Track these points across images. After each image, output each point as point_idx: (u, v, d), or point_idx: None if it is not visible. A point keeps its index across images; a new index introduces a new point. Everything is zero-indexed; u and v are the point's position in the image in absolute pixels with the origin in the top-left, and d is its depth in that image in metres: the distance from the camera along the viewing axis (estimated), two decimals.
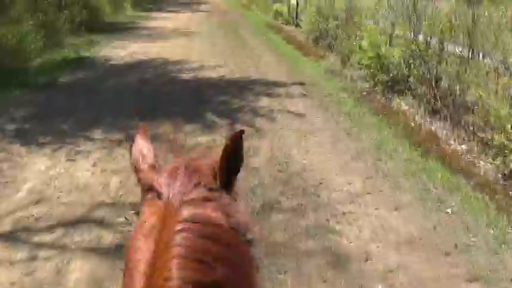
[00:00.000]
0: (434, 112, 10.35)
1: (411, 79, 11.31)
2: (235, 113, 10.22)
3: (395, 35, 12.97)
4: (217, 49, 18.51)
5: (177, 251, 1.15)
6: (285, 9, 28.38)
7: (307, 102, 10.89)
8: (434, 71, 10.61)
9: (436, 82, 10.48)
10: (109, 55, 16.92)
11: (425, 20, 11.33)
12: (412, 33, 11.59)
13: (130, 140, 1.52)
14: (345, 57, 15.49)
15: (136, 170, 1.43)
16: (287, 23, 27.15)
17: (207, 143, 7.85)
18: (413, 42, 11.49)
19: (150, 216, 1.27)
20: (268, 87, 12.49)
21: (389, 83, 11.86)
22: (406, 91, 11.67)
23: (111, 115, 9.96)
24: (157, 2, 44.54)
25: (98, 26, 23.38)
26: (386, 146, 8.53)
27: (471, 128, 9.10)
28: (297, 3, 25.71)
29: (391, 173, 7.47)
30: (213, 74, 13.89)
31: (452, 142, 9.08)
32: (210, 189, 1.30)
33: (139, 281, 1.17)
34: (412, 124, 9.91)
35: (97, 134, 8.94)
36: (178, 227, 1.18)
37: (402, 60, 11.92)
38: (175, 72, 14.22)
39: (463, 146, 8.86)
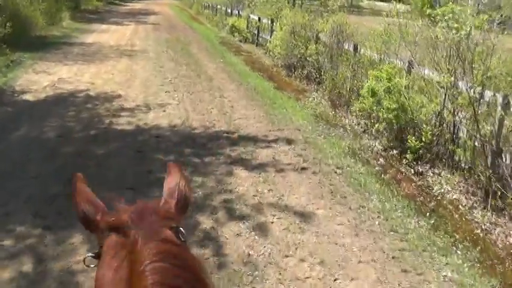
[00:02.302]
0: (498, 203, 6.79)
1: (456, 148, 7.72)
2: (198, 211, 6.26)
3: (416, 76, 9.41)
4: (166, 77, 14.56)
5: (153, 278, 1.19)
6: (242, 24, 24.90)
7: (311, 185, 7.11)
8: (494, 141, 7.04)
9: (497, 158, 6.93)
10: (27, 84, 12.88)
11: (474, 63, 7.72)
12: (453, 78, 7.99)
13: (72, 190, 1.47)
14: (334, 97, 11.86)
15: (89, 218, 1.44)
16: (245, 40, 23.72)
17: None
18: (457, 92, 7.95)
19: (118, 251, 1.31)
20: (243, 148, 8.63)
21: (421, 150, 8.23)
22: (440, 160, 8.14)
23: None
24: (100, 12, 40.98)
25: (26, 40, 19.49)
26: None
27: None
28: (259, 19, 22.18)
29: None
30: (162, 120, 10.01)
31: None
32: (172, 230, 1.36)
33: None
34: (479, 232, 6.27)
35: None
36: (152, 258, 1.23)
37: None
38: (111, 116, 10.23)
39: None
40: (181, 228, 1.40)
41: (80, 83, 13.22)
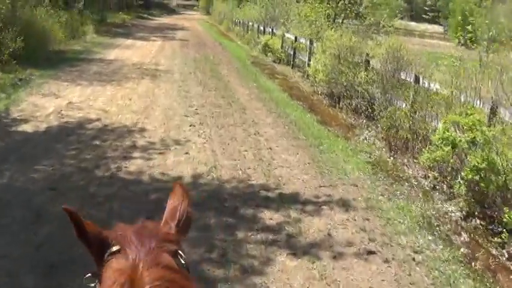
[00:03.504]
0: None
1: None
2: None
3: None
4: (192, 105, 12.61)
5: None
6: (277, 43, 23.10)
7: (386, 285, 5.06)
8: None
9: None
10: (29, 110, 11.00)
11: None
12: None
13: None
14: (391, 138, 9.84)
15: (92, 240, 1.41)
16: (279, 61, 21.90)
17: None
18: None
19: (118, 277, 1.28)
20: (287, 215, 6.52)
21: None
22: None
23: None
24: (127, 25, 39.70)
25: (41, 56, 17.66)
26: None
27: None
28: (296, 39, 20.30)
29: None
30: (183, 168, 8.02)
31: None
32: (171, 253, 1.35)
33: None
34: None
35: None
36: (151, 283, 1.23)
37: None
38: (120, 158, 8.27)
39: None
40: (180, 252, 1.39)
41: (90, 110, 11.32)
